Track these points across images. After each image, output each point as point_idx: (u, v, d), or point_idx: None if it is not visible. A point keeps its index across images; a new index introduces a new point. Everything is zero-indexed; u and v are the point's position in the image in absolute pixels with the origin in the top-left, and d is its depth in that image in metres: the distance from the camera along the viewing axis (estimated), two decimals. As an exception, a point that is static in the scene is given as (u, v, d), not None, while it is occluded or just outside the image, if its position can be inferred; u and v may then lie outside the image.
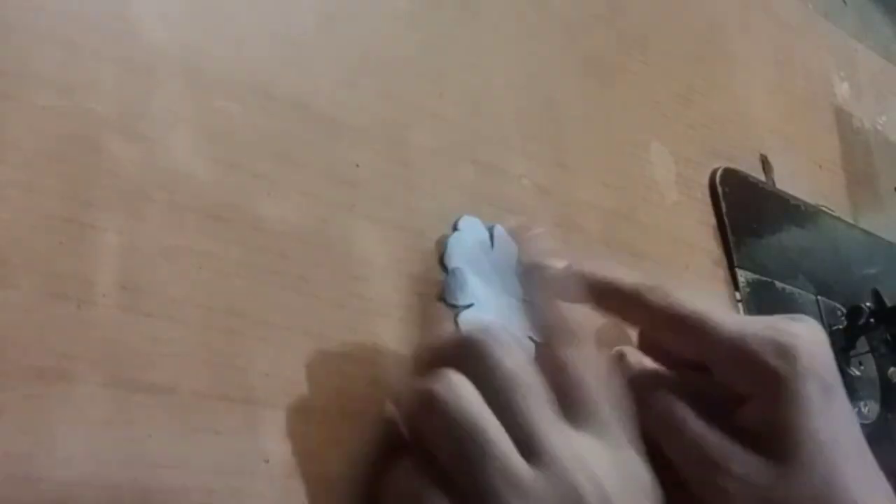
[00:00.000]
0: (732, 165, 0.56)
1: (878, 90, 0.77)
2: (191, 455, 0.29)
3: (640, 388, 0.35)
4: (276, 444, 0.31)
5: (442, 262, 0.38)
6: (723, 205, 0.54)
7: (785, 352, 0.33)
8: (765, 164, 0.60)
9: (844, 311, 0.58)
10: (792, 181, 0.61)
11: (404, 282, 0.37)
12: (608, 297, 0.35)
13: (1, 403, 0.26)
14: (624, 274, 0.36)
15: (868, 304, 0.58)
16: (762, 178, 0.59)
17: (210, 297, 0.31)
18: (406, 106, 0.40)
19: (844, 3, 0.80)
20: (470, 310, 0.38)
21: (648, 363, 0.37)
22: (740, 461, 0.32)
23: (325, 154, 0.37)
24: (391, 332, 0.36)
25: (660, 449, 0.34)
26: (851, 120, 0.72)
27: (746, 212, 0.55)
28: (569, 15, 0.51)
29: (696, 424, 0.34)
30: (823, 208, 0.63)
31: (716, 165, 0.55)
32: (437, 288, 0.38)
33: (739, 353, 0.33)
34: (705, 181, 0.55)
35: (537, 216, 0.43)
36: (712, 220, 0.54)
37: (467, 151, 0.42)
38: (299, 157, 0.36)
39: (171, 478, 0.29)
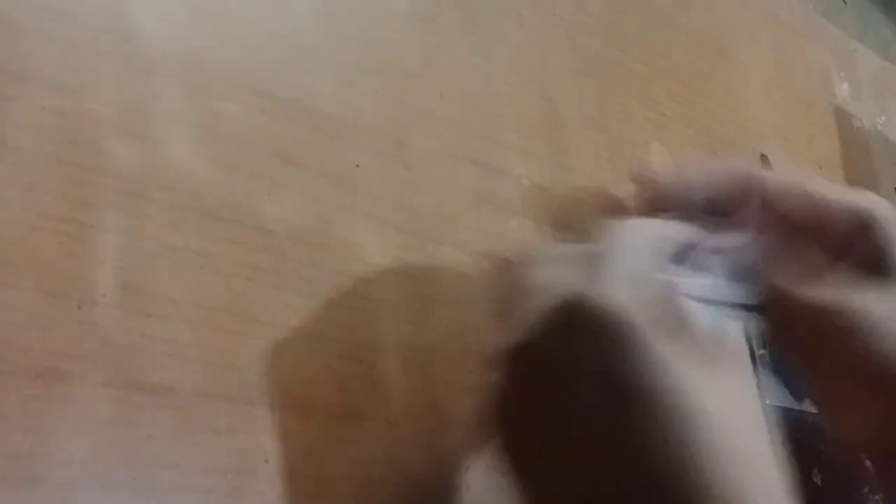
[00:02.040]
0: (732, 165, 0.56)
1: (878, 90, 0.77)
2: (191, 455, 0.29)
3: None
4: (276, 444, 0.31)
5: None
6: (723, 205, 0.54)
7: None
8: (765, 164, 0.60)
9: (844, 311, 0.58)
10: (792, 181, 0.61)
11: (404, 282, 0.37)
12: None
13: (1, 403, 0.26)
14: None
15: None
16: (762, 178, 0.59)
17: (210, 297, 0.31)
18: (406, 106, 0.40)
19: (844, 3, 0.80)
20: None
21: None
22: (859, 298, 0.33)
23: (326, 154, 0.37)
24: (391, 332, 0.36)
25: None
26: (851, 120, 0.72)
27: (746, 212, 0.55)
28: (569, 15, 0.51)
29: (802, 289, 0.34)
30: (823, 208, 0.63)
31: (716, 165, 0.55)
32: (437, 286, 0.38)
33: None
34: (705, 181, 0.55)
35: (537, 216, 0.43)
36: (712, 220, 0.54)
37: (467, 151, 0.42)
38: (299, 157, 0.36)
39: (171, 478, 0.29)
